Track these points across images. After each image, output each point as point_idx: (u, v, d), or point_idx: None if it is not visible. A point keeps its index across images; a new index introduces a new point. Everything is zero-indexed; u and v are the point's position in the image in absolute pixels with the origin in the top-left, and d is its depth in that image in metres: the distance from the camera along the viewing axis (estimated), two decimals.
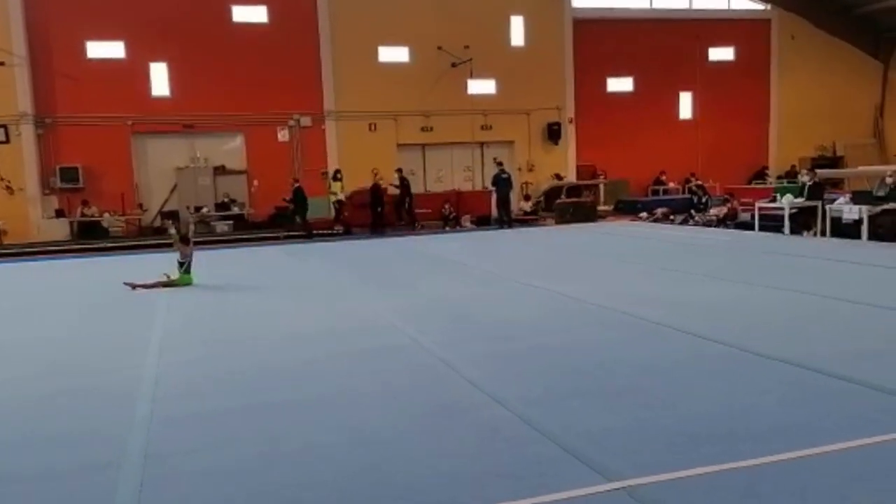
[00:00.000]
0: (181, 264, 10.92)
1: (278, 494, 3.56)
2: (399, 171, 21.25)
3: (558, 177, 24.64)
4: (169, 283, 10.75)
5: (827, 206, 14.56)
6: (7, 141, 20.42)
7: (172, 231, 10.23)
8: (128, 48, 21.23)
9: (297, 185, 19.99)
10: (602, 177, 25.07)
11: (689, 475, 3.56)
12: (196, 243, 11.31)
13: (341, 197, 20.59)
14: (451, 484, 3.62)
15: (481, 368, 5.61)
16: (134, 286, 10.67)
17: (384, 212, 20.23)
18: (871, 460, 3.68)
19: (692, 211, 20.24)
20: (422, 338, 6.74)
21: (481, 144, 24.85)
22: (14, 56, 20.08)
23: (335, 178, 20.71)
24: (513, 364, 5.76)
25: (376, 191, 20.10)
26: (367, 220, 20.30)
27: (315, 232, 19.68)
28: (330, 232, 19.99)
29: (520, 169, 24.65)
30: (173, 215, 20.54)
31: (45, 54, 20.62)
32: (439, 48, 23.21)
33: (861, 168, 21.16)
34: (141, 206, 21.68)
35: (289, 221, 20.44)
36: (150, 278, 10.90)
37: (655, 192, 25.71)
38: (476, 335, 6.90)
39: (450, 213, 21.48)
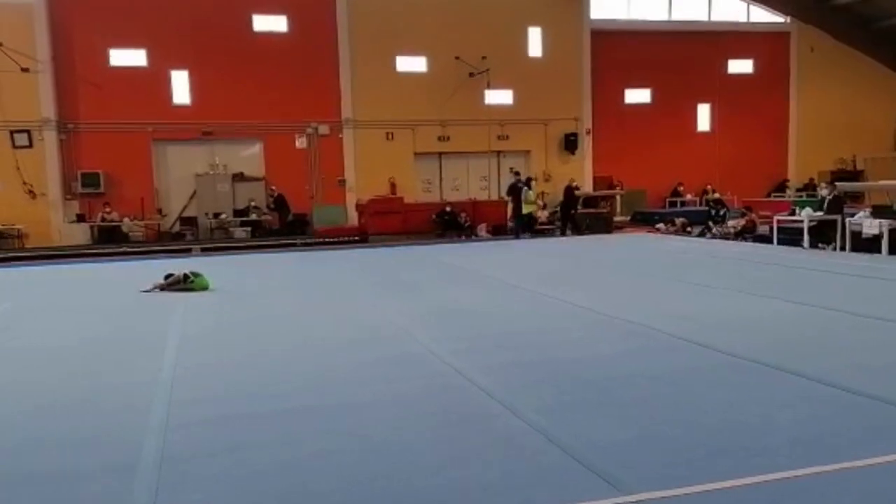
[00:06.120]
0: (186, 278, 11.13)
1: (290, 500, 3.58)
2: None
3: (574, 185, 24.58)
4: (185, 288, 10.88)
5: (847, 220, 14.42)
6: (30, 146, 20.74)
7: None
8: (150, 56, 21.53)
9: (277, 193, 21.83)
10: (619, 188, 24.98)
11: (703, 490, 3.53)
12: (214, 249, 11.51)
13: (538, 206, 20.84)
14: (462, 493, 3.61)
15: (495, 378, 5.60)
16: (151, 289, 11.04)
17: (575, 214, 21.66)
18: (892, 477, 3.63)
19: (710, 223, 20.10)
20: (436, 346, 6.74)
21: (498, 154, 24.89)
22: (38, 62, 20.41)
23: (529, 186, 20.62)
24: (527, 374, 5.75)
25: (570, 194, 20.88)
26: (387, 228, 20.40)
27: (332, 239, 19.93)
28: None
29: (536, 179, 24.62)
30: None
31: (68, 61, 20.94)
32: (457, 58, 23.30)
33: (882, 182, 20.91)
34: (160, 211, 21.92)
35: (305, 228, 20.61)
36: (159, 280, 11.22)
37: (673, 204, 25.59)
38: (490, 344, 6.89)
39: (465, 221, 21.50)
